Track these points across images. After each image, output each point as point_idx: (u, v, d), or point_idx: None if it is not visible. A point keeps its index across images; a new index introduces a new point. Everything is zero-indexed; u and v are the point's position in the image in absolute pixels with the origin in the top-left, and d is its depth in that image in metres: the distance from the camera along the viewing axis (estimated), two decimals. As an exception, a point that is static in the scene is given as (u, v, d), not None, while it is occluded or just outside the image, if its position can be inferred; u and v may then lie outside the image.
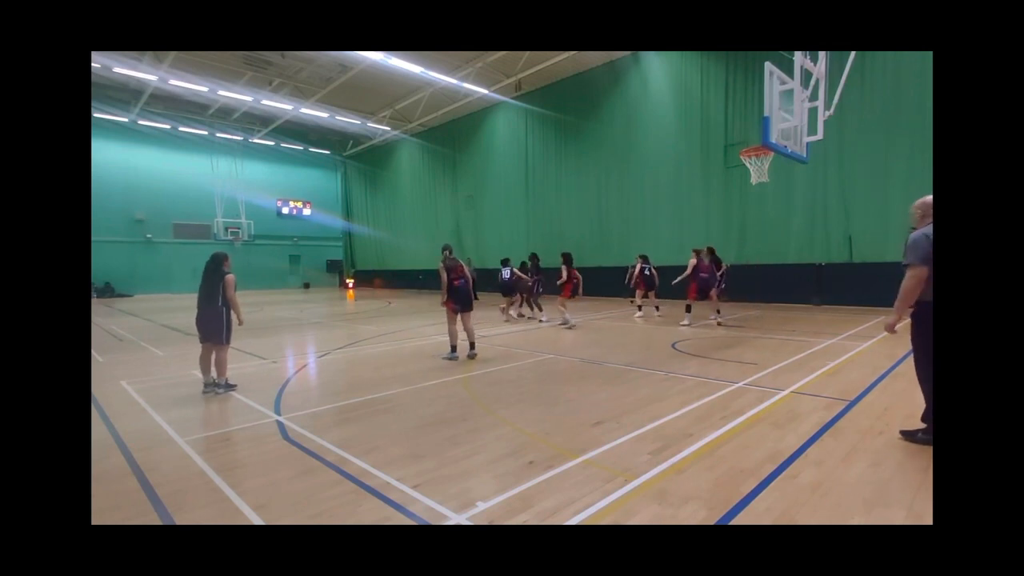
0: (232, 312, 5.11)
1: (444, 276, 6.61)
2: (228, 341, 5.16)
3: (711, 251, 9.82)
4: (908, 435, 3.41)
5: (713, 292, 9.42)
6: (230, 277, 5.08)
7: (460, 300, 6.66)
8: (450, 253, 6.84)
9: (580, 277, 9.93)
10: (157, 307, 17.29)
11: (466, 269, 6.87)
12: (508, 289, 11.01)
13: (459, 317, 6.74)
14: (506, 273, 10.80)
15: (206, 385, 5.09)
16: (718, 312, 9.80)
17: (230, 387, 5.19)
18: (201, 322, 5.08)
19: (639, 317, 10.98)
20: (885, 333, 4.25)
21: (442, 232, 24.36)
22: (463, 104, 20.62)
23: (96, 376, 6.01)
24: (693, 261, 9.40)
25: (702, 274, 9.34)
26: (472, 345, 6.83)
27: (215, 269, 5.06)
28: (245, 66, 18.16)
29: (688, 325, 9.40)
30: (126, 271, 24.23)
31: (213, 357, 5.14)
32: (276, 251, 29.59)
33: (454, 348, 6.67)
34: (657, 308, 11.56)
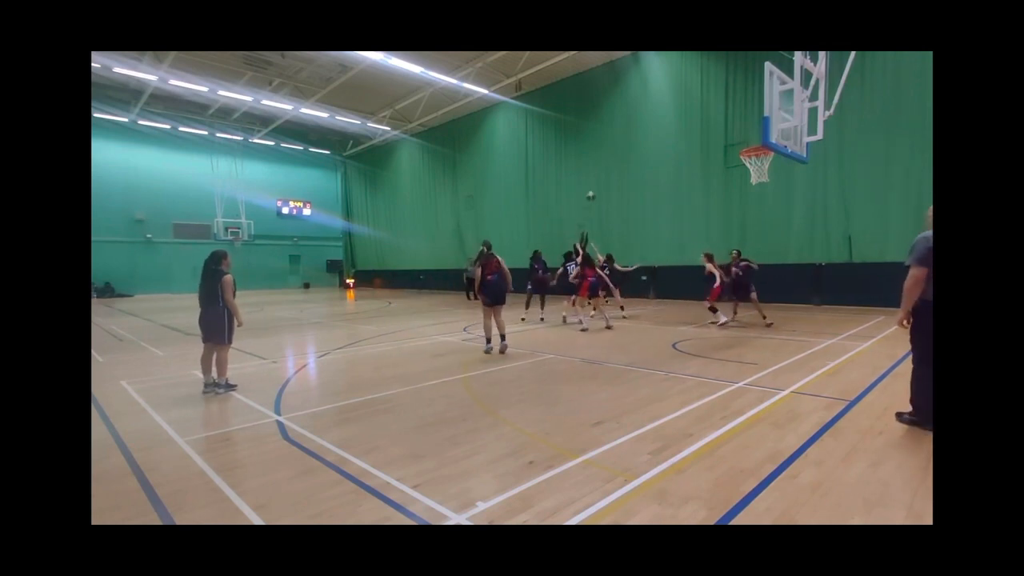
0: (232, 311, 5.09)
1: (477, 272, 6.97)
2: (230, 341, 5.15)
3: (738, 254, 9.38)
4: (899, 415, 3.78)
5: (754, 294, 9.13)
6: (227, 279, 5.01)
7: (489, 294, 6.93)
8: (487, 248, 7.09)
9: (600, 275, 9.57)
10: (157, 307, 17.28)
11: (502, 264, 7.03)
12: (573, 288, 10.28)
13: (492, 312, 7.03)
14: (571, 267, 10.02)
15: (206, 385, 5.09)
16: (735, 314, 9.68)
17: (230, 387, 5.18)
18: (203, 322, 5.06)
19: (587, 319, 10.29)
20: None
21: (442, 232, 24.39)
22: (463, 104, 20.62)
23: (96, 376, 6.01)
24: (713, 264, 9.16)
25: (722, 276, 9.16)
26: (503, 338, 7.05)
27: (214, 269, 5.03)
28: (245, 66, 18.15)
29: (724, 323, 9.18)
30: (126, 271, 24.22)
31: (214, 357, 5.14)
32: (276, 251, 29.59)
33: (489, 340, 7.01)
34: (622, 308, 11.39)
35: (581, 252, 9.69)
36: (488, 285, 6.92)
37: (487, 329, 7.04)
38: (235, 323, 5.10)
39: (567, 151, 18.31)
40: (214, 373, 5.16)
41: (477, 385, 5.25)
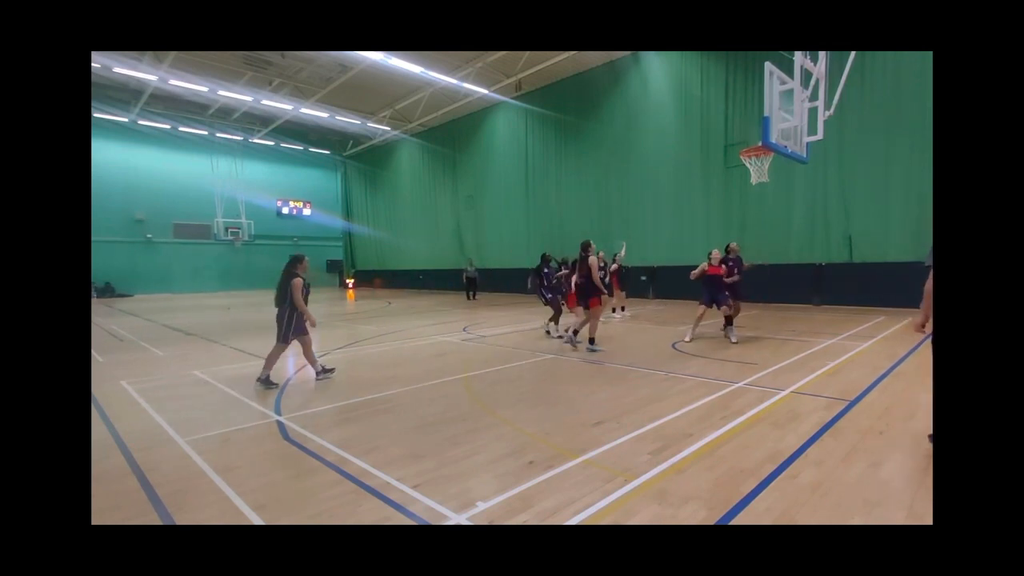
0: (299, 312, 5.38)
1: (565, 274, 7.82)
2: (295, 336, 5.39)
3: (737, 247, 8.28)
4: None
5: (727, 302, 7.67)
6: (296, 281, 5.34)
7: (578, 296, 7.51)
8: (583, 251, 7.34)
9: (579, 281, 8.36)
10: (157, 307, 17.29)
11: (593, 267, 7.21)
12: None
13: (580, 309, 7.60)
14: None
15: (258, 380, 5.32)
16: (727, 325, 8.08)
17: (327, 372, 5.64)
18: (277, 321, 5.41)
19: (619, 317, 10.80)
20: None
21: (442, 232, 24.39)
22: (463, 104, 20.62)
23: (96, 376, 6.01)
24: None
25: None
26: (575, 332, 7.50)
27: (289, 272, 5.40)
28: (245, 66, 18.15)
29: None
30: (126, 271, 24.23)
31: (283, 354, 5.52)
32: (276, 251, 29.47)
33: (576, 333, 7.51)
34: (613, 310, 11.20)
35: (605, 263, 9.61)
36: (578, 288, 7.41)
37: (579, 326, 7.49)
38: (304, 321, 5.40)
39: (567, 151, 18.30)
40: (268, 371, 5.37)
41: (477, 385, 5.25)
